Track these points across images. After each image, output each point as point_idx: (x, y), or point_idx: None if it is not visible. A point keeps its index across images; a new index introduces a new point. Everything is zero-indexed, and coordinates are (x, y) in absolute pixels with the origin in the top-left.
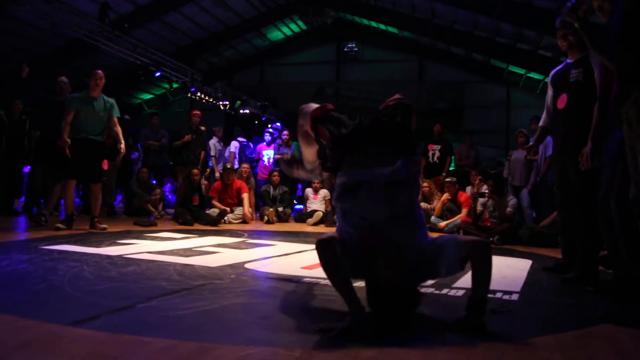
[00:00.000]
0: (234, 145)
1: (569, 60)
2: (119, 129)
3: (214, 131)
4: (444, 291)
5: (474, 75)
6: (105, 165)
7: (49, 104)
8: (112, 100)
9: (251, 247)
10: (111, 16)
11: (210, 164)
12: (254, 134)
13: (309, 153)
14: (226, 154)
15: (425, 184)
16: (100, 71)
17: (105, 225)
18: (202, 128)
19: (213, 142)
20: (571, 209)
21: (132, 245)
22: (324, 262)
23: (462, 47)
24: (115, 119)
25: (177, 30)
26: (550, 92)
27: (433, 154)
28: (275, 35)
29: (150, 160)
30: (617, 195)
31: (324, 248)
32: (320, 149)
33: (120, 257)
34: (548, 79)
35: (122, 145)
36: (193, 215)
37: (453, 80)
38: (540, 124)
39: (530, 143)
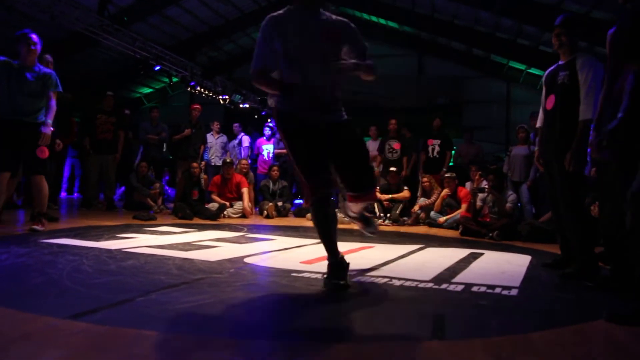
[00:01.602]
0: (247, 140)
1: (560, 62)
2: (54, 107)
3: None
4: (443, 286)
5: (474, 70)
6: (43, 153)
7: None
8: (50, 71)
9: (250, 242)
10: (111, 9)
11: (205, 157)
12: (252, 129)
13: None
14: (236, 150)
15: (425, 179)
16: (34, 35)
17: (40, 228)
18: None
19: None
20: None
21: (132, 239)
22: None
23: (462, 43)
24: (53, 95)
25: (177, 24)
26: (543, 91)
27: (433, 149)
28: None
29: (150, 155)
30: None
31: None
32: None
33: (119, 251)
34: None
35: (48, 132)
36: (192, 209)
37: (453, 76)
38: (538, 124)
39: (534, 148)
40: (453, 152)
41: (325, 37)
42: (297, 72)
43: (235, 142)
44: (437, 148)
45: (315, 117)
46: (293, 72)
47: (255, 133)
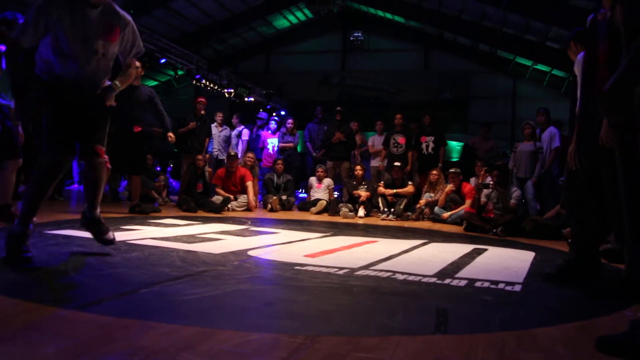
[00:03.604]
0: (246, 134)
1: None
2: None
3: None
4: (447, 281)
5: (481, 66)
6: None
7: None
8: None
9: (254, 235)
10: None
11: (210, 150)
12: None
13: None
14: (234, 141)
15: (434, 172)
16: None
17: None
18: (202, 112)
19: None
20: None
21: (136, 231)
22: None
23: (468, 38)
24: None
25: (182, 17)
26: None
27: (427, 146)
28: (281, 23)
29: (154, 147)
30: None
31: None
32: None
33: (123, 242)
34: None
35: None
36: (197, 202)
37: (459, 71)
38: None
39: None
40: (460, 146)
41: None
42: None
43: (234, 133)
44: (431, 144)
45: None
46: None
47: (248, 126)
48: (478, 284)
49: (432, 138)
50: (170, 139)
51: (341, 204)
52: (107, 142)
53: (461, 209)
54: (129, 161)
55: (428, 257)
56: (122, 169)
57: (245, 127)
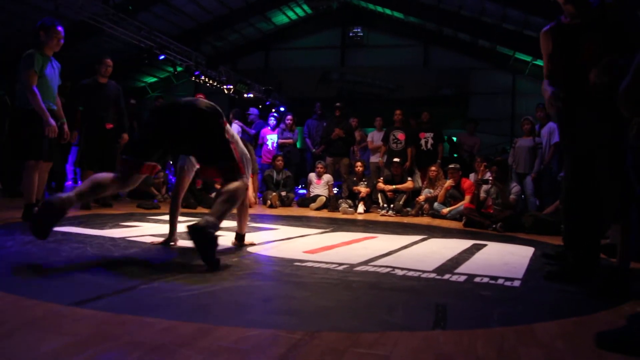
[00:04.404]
0: (237, 128)
1: None
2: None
3: None
4: (446, 277)
5: (480, 61)
6: None
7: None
8: None
9: (254, 231)
10: None
11: None
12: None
13: None
14: None
15: (433, 168)
16: None
17: None
18: None
19: None
20: None
21: (135, 228)
22: None
23: (468, 34)
24: None
25: (181, 13)
26: None
27: (426, 142)
28: (280, 19)
29: None
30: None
31: None
32: None
33: (123, 239)
34: None
35: None
36: (196, 198)
37: (458, 67)
38: None
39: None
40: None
41: None
42: None
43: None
44: (430, 141)
45: None
46: None
47: (260, 121)
48: (477, 279)
49: (431, 134)
50: (123, 140)
51: (341, 200)
52: (82, 140)
53: (460, 205)
54: (99, 158)
55: (427, 253)
56: (95, 165)
57: (236, 122)
